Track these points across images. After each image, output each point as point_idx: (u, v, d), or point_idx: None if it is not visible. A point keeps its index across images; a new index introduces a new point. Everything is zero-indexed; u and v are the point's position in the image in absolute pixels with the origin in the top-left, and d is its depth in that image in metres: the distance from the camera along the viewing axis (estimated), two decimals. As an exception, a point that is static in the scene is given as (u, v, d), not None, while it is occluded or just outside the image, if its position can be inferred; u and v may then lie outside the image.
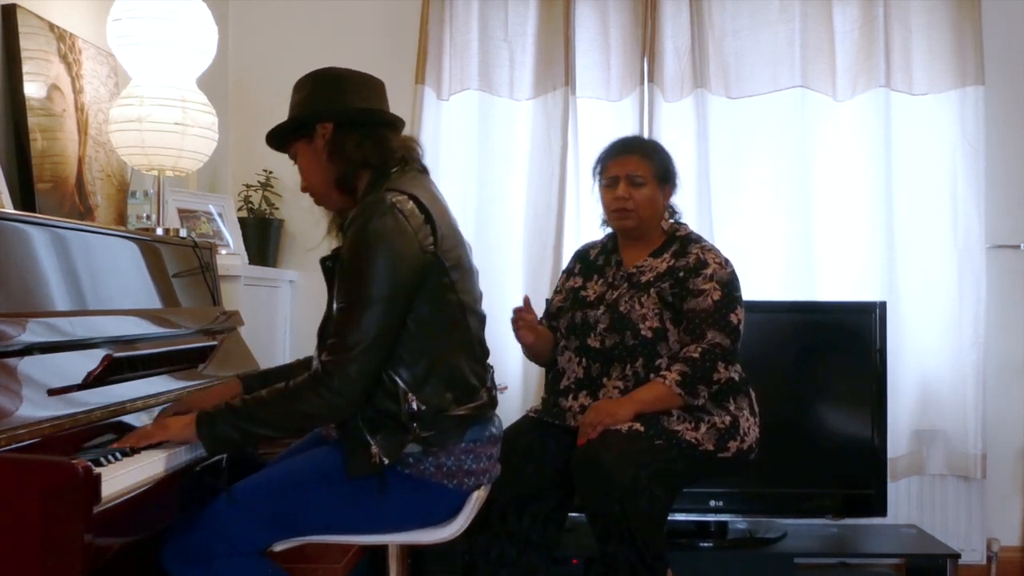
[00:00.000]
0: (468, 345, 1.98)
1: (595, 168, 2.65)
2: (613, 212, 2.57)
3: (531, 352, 2.65)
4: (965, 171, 3.41)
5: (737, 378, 2.46)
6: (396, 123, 2.08)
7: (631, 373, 2.44)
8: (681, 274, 2.47)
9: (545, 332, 2.62)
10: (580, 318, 2.53)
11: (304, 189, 2.08)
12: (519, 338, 2.54)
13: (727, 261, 2.51)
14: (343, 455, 1.89)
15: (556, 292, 2.71)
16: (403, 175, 1.98)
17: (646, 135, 3.41)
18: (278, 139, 2.08)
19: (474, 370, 1.99)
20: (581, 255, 2.72)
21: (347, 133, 1.99)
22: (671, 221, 2.60)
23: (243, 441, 1.87)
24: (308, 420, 1.87)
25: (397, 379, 1.88)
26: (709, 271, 2.45)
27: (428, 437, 1.88)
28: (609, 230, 2.68)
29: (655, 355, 2.44)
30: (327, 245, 2.07)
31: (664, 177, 2.56)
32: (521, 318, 2.51)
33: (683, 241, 2.55)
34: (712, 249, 2.53)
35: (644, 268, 2.53)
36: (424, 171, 2.07)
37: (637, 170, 2.53)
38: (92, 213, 2.66)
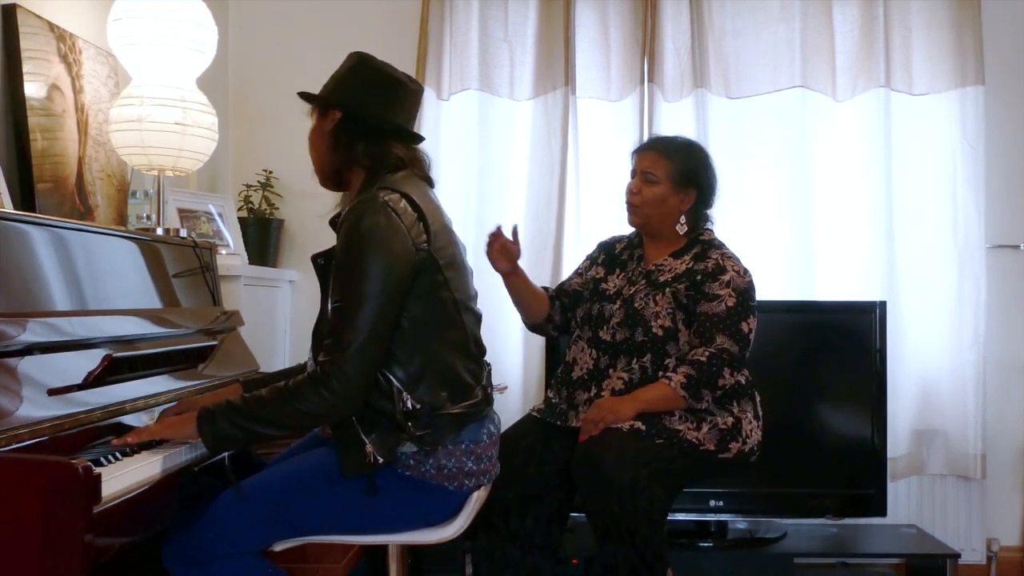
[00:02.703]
0: (463, 343, 1.98)
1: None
2: (626, 204, 2.58)
3: (512, 292, 2.62)
4: (965, 171, 3.41)
5: (743, 381, 2.46)
6: (408, 138, 2.05)
7: (638, 367, 2.44)
8: (698, 277, 2.47)
9: (528, 282, 2.61)
10: (597, 310, 2.53)
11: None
12: (492, 262, 2.54)
13: (746, 271, 2.50)
14: (337, 454, 1.89)
15: (577, 274, 2.71)
16: (396, 176, 1.98)
17: (646, 135, 3.40)
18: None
19: (468, 368, 1.98)
20: (607, 246, 2.72)
21: (350, 130, 1.99)
22: (687, 227, 2.55)
23: (244, 439, 1.87)
24: (308, 419, 1.87)
25: (392, 378, 1.88)
26: (727, 277, 2.45)
27: (423, 436, 1.88)
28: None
29: (664, 353, 2.44)
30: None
31: (683, 181, 2.52)
32: (495, 241, 2.51)
33: (705, 245, 2.54)
34: (732, 257, 2.52)
35: (663, 267, 2.53)
36: (425, 179, 2.06)
37: (652, 167, 2.52)
38: (92, 213, 2.66)
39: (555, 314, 2.66)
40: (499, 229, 2.54)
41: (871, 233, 3.43)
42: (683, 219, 2.55)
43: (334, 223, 1.97)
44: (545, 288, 2.73)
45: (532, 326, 2.72)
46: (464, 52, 3.51)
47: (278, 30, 3.65)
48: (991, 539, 3.45)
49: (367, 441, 1.86)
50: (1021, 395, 3.51)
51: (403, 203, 1.90)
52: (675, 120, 3.41)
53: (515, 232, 2.54)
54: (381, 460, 1.86)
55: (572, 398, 2.52)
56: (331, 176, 2.05)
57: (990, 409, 3.42)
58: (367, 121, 2.00)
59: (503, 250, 2.53)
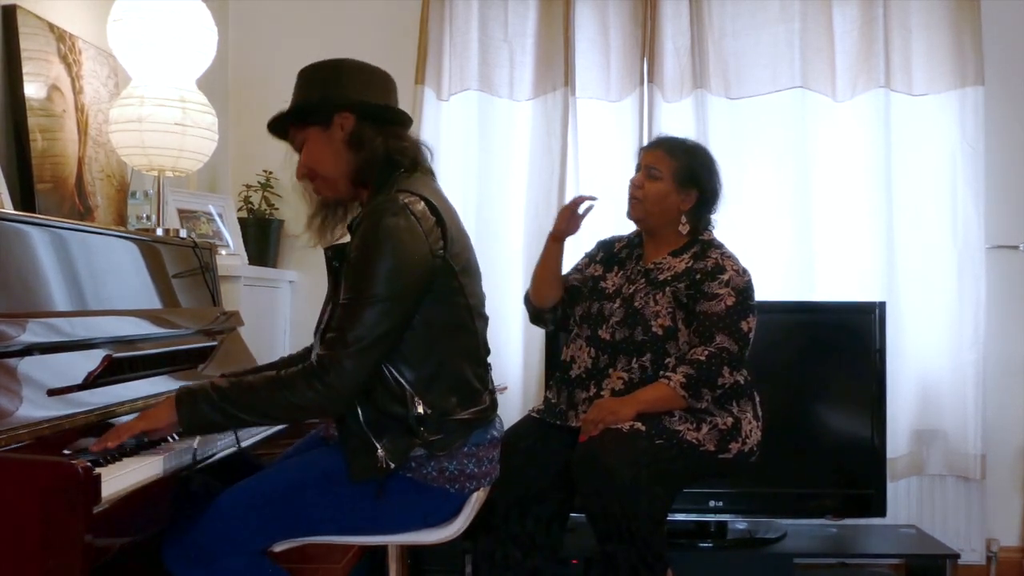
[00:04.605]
0: (473, 349, 1.98)
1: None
2: (628, 198, 2.60)
3: (544, 260, 2.63)
4: (965, 171, 3.41)
5: (743, 381, 2.46)
6: (408, 122, 2.07)
7: (637, 367, 2.45)
8: (698, 276, 2.47)
9: (560, 262, 2.64)
10: (596, 309, 2.54)
11: (303, 176, 2.02)
12: (562, 219, 2.61)
13: (745, 270, 2.51)
14: (345, 458, 1.88)
15: (575, 270, 2.72)
16: (411, 177, 1.97)
17: (645, 136, 3.41)
18: (281, 123, 2.04)
19: (477, 373, 1.98)
20: (606, 244, 2.74)
21: (369, 127, 1.97)
22: (689, 227, 2.56)
23: (223, 424, 1.83)
24: (297, 411, 1.84)
25: (403, 381, 1.87)
26: (726, 277, 2.46)
27: (435, 441, 1.87)
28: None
29: (664, 353, 2.44)
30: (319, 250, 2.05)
31: (686, 180, 2.54)
32: (576, 205, 2.59)
33: (704, 245, 2.56)
34: (731, 256, 2.53)
35: (663, 266, 2.54)
36: (430, 173, 2.06)
37: (656, 163, 2.55)
38: (92, 213, 2.66)
39: (558, 309, 2.67)
40: (577, 202, 2.59)
41: (871, 233, 3.43)
42: (684, 219, 2.56)
43: (351, 226, 1.95)
44: None
45: (536, 311, 2.70)
46: (464, 52, 3.51)
47: (278, 30, 3.66)
48: (991, 539, 3.45)
49: (378, 446, 1.84)
50: (1021, 395, 3.51)
51: (422, 206, 1.88)
52: (675, 121, 3.41)
53: (586, 212, 2.60)
54: (393, 465, 1.85)
55: (572, 397, 2.52)
56: (354, 180, 1.99)
57: (990, 409, 3.42)
58: (380, 115, 1.99)
59: (574, 216, 2.59)
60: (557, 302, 2.65)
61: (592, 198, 2.61)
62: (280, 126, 2.05)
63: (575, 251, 2.83)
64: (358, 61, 2.03)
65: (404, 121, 2.05)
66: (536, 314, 2.72)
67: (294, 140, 2.04)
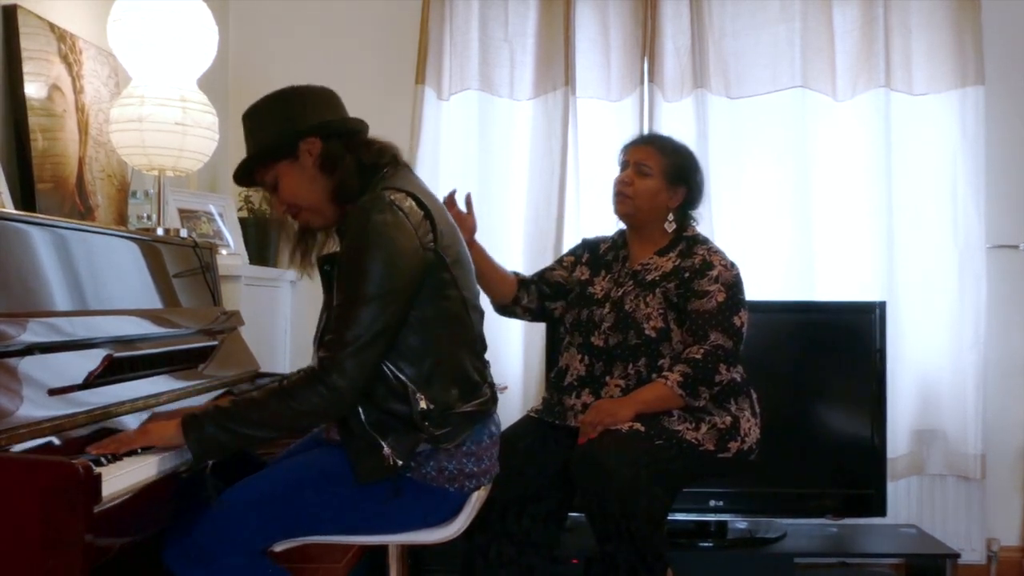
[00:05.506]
0: (470, 341, 1.98)
1: (618, 156, 2.65)
2: (615, 194, 2.58)
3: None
4: (965, 171, 3.41)
5: (739, 379, 2.46)
6: (365, 128, 2.06)
7: (633, 372, 2.45)
8: (686, 275, 2.47)
9: (487, 259, 2.59)
10: (586, 316, 2.53)
11: (285, 212, 2.02)
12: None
13: (732, 264, 2.51)
14: (350, 460, 1.87)
15: (561, 266, 2.71)
16: (395, 174, 1.97)
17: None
18: (247, 172, 2.03)
19: (476, 366, 1.99)
20: (591, 246, 2.72)
21: (336, 144, 1.96)
22: (676, 225, 2.56)
23: (233, 444, 1.82)
24: (304, 419, 1.84)
25: (403, 378, 1.86)
26: (714, 273, 2.46)
27: (440, 435, 1.87)
28: (623, 226, 2.66)
29: (658, 355, 2.44)
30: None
31: (675, 178, 2.55)
32: (448, 209, 2.44)
33: (689, 241, 2.55)
34: (718, 251, 2.53)
35: (650, 267, 2.53)
36: (408, 168, 2.06)
37: (646, 160, 2.54)
38: (92, 213, 2.66)
39: (526, 299, 2.65)
40: (452, 195, 2.51)
41: (871, 233, 3.43)
42: (671, 217, 2.56)
43: (340, 230, 1.95)
44: (516, 273, 2.72)
45: (499, 307, 2.69)
46: (464, 52, 3.51)
47: (278, 30, 3.66)
48: (991, 539, 3.45)
49: (384, 445, 1.84)
50: (1021, 395, 3.51)
51: (409, 202, 1.88)
52: (675, 120, 3.41)
53: (468, 202, 2.51)
54: (400, 463, 1.84)
55: (562, 403, 2.52)
56: (337, 199, 1.97)
57: (990, 409, 3.42)
58: (342, 130, 1.99)
59: (457, 220, 2.49)
60: (513, 294, 2.64)
61: (452, 191, 2.54)
62: (245, 174, 2.04)
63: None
64: (296, 86, 2.01)
65: (363, 128, 2.05)
66: (500, 309, 2.71)
67: (264, 183, 2.03)
